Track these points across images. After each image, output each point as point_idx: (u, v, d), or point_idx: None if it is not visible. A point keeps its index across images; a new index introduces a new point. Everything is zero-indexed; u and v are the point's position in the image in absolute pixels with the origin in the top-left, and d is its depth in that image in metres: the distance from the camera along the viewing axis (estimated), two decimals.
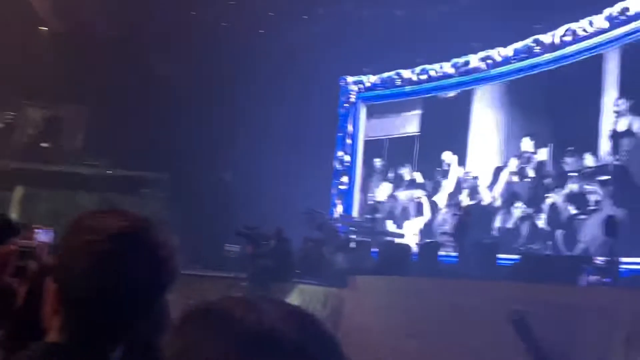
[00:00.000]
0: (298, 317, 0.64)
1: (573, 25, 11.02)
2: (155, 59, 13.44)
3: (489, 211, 11.98)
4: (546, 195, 11.01)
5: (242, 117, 13.23)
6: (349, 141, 15.47)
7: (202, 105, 13.17)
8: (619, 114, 10.14)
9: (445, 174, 13.18)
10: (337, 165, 15.48)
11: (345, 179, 15.30)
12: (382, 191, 14.49)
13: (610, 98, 10.35)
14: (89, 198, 12.36)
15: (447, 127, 13.10)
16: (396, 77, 14.54)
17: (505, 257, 9.26)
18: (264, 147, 13.05)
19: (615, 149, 10.06)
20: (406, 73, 14.28)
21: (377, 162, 14.85)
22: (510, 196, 11.74)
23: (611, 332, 2.87)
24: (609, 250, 7.31)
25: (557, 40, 11.31)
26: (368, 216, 12.03)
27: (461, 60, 13.12)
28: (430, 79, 13.82)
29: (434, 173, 13.43)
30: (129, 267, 0.98)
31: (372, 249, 10.22)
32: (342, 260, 9.11)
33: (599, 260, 7.62)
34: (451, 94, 13.54)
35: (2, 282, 1.58)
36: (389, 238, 11.46)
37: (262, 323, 0.60)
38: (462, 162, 12.91)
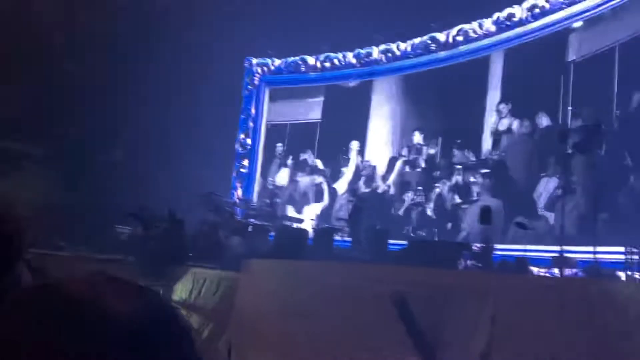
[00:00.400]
0: (135, 293, 0.64)
1: (465, 26, 11.75)
2: (49, 27, 12.31)
3: (383, 198, 12.53)
4: (434, 185, 11.74)
5: (139, 94, 12.56)
6: (251, 124, 15.35)
7: (96, 79, 12.29)
8: (500, 114, 11.04)
9: (344, 162, 13.56)
10: (239, 148, 15.31)
11: (246, 162, 15.18)
12: (282, 176, 14.58)
13: (494, 98, 11.23)
14: None
15: (348, 115, 13.45)
16: (300, 62, 14.62)
17: (396, 243, 9.75)
18: (162, 126, 12.52)
19: (495, 146, 10.95)
20: (310, 60, 14.41)
21: (279, 147, 14.90)
22: (403, 185, 12.36)
23: (480, 312, 3.13)
24: (484, 238, 7.96)
25: (450, 40, 12.01)
26: (267, 200, 12.06)
27: (363, 51, 13.49)
28: (334, 67, 14.08)
29: (333, 160, 13.75)
30: None
31: (270, 233, 10.28)
32: (238, 244, 9.06)
33: (476, 246, 8.29)
34: (352, 83, 13.90)
35: None
36: (286, 222, 11.59)
37: (95, 301, 0.60)
38: (361, 150, 13.35)
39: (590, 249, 6.14)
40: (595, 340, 2.46)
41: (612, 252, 6.70)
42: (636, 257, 6.17)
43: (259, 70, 15.39)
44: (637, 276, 6.05)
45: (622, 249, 6.28)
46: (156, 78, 12.47)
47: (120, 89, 12.50)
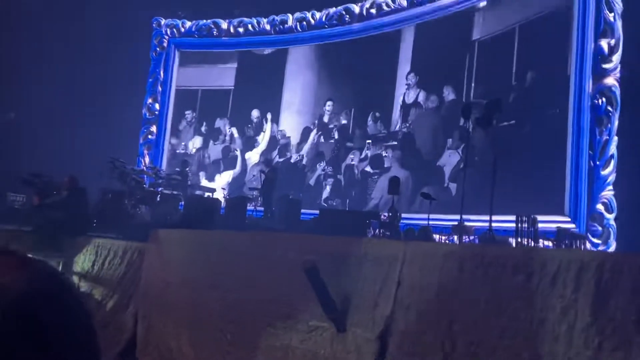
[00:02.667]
0: (32, 267, 0.59)
1: (379, 0, 11.91)
2: None
3: (296, 168, 12.60)
4: (346, 155, 11.98)
5: (37, 51, 11.48)
6: (160, 88, 14.65)
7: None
8: (409, 87, 11.41)
9: (258, 131, 13.40)
10: (146, 113, 14.60)
11: (154, 128, 14.53)
12: (193, 143, 14.15)
13: (404, 72, 11.56)
14: None
15: (262, 83, 13.25)
16: (213, 26, 14.10)
17: (308, 212, 9.88)
18: (63, 86, 11.59)
19: (405, 118, 11.34)
20: (224, 24, 13.94)
21: (189, 114, 14.40)
22: (315, 155, 12.49)
23: (386, 279, 3.26)
24: (391, 207, 8.29)
25: (364, 12, 12.12)
26: (177, 169, 11.64)
27: (278, 18, 13.26)
28: (248, 32, 13.72)
29: (247, 128, 13.54)
30: None
31: (180, 203, 9.99)
32: (145, 213, 8.71)
33: (384, 215, 8.61)
34: (267, 50, 13.66)
35: None
36: (198, 191, 11.31)
37: None
38: (275, 119, 13.24)
39: (486, 217, 6.60)
40: (491, 299, 2.67)
41: (504, 221, 7.27)
42: (525, 225, 6.74)
43: (168, 31, 14.65)
44: (524, 242, 6.62)
45: (513, 217, 6.83)
46: (59, 35, 11.48)
47: (15, 44, 11.37)
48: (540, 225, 6.98)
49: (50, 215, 6.47)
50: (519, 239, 6.67)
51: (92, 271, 6.03)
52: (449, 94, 10.76)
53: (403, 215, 8.90)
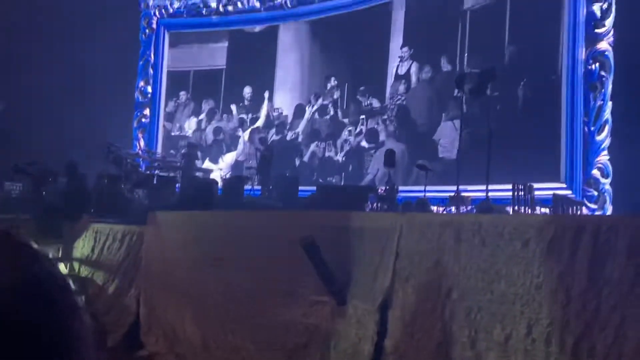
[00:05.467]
0: (11, 251, 0.57)
1: None
2: None
3: (293, 146, 12.56)
4: (342, 131, 11.94)
5: (27, 36, 11.31)
6: (151, 71, 14.50)
7: None
8: (402, 59, 11.31)
9: (252, 109, 13.32)
10: (139, 96, 14.47)
11: (147, 111, 14.42)
12: (188, 125, 14.08)
13: (397, 44, 11.44)
14: None
15: (254, 62, 13.12)
16: (202, 5, 13.90)
17: (306, 189, 9.90)
18: (55, 73, 11.43)
19: (398, 91, 11.27)
20: (212, 2, 13.74)
21: (182, 95, 14.28)
22: (311, 132, 12.45)
23: (384, 251, 3.29)
24: (388, 180, 8.31)
25: None
26: (172, 151, 11.61)
27: None
28: (237, 10, 13.53)
29: (241, 108, 13.46)
30: None
31: (177, 185, 9.98)
32: (142, 197, 8.71)
33: (381, 189, 8.63)
34: (257, 28, 13.49)
35: None
36: (194, 173, 11.30)
37: None
38: (269, 97, 13.15)
39: (483, 187, 6.62)
40: (489, 267, 2.69)
41: (501, 190, 7.30)
42: (522, 193, 6.77)
43: (157, 12, 14.43)
44: (521, 210, 6.66)
45: (509, 186, 6.85)
46: (49, 20, 11.30)
47: (5, 30, 11.19)
48: (536, 193, 7.01)
49: (49, 202, 6.46)
50: (516, 207, 6.71)
51: (91, 256, 6.06)
52: (442, 65, 10.69)
53: (400, 188, 8.92)
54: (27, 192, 8.44)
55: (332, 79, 12.35)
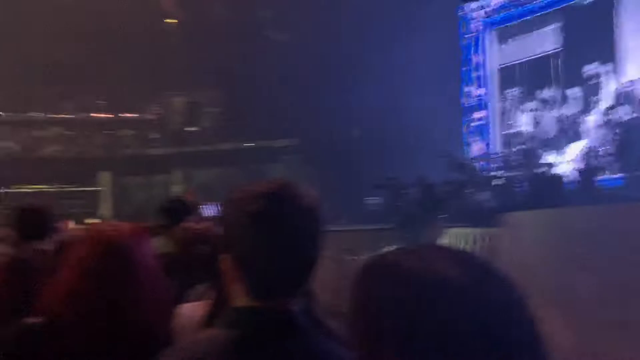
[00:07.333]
0: (465, 260, 0.65)
1: None
2: (271, 27, 13.80)
3: None
4: None
5: (358, 74, 13.06)
6: (474, 74, 14.56)
7: (323, 67, 13.22)
8: None
9: (594, 89, 11.86)
10: (467, 102, 14.70)
11: (478, 114, 14.50)
12: (524, 119, 13.50)
13: None
14: (234, 172, 13.50)
15: (589, 37, 11.70)
16: None
17: None
18: (384, 98, 12.71)
19: None
20: None
21: (513, 90, 13.84)
22: None
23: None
24: None
25: None
26: (513, 149, 11.31)
27: None
28: None
29: (581, 90, 12.15)
30: (284, 220, 1.01)
31: (521, 183, 9.66)
32: (488, 199, 8.75)
33: None
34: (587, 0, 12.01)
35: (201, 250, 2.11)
36: (538, 169, 10.72)
37: (435, 272, 0.62)
38: (615, 70, 11.48)
39: None
40: None
41: None
42: None
43: (478, 14, 14.48)
44: None
45: None
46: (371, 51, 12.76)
47: (344, 74, 13.15)
48: None
49: (407, 212, 7.19)
50: None
51: None
52: None
53: None
54: (386, 204, 9.58)
55: None
